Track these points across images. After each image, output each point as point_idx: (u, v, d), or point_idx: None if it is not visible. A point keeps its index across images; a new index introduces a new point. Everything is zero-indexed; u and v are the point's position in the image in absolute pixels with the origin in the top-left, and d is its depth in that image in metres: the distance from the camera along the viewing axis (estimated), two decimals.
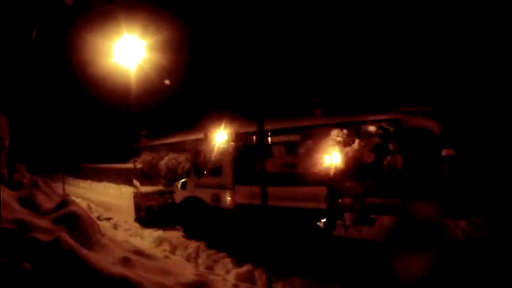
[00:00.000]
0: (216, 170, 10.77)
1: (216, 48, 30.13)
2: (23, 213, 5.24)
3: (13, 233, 4.58)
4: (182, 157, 21.51)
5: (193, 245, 9.57)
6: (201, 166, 11.43)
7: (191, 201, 11.31)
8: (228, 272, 7.75)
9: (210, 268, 8.05)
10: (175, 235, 11.08)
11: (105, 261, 4.92)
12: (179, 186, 12.30)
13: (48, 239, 4.60)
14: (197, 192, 11.20)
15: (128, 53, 20.73)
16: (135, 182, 15.11)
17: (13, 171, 7.85)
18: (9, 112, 9.32)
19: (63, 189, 17.33)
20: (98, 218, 13.17)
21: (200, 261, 8.62)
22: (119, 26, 20.16)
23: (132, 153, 26.18)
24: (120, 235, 10.85)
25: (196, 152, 11.96)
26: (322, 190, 8.32)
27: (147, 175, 23.91)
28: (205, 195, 10.83)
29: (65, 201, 5.92)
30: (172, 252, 9.31)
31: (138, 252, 5.90)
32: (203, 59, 30.78)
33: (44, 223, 5.09)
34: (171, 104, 34.54)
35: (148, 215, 13.41)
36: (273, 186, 7.54)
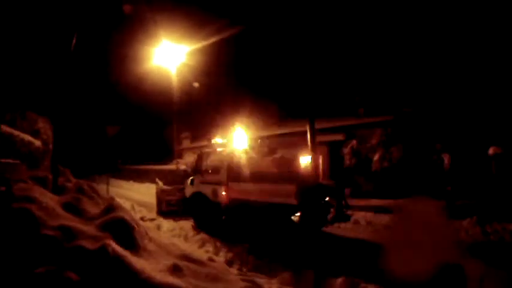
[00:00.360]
0: (215, 169, 12.29)
1: (258, 50, 30.05)
2: (67, 219, 5.06)
3: (57, 241, 4.40)
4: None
5: (233, 248, 9.30)
6: (204, 166, 13.07)
7: (197, 196, 12.74)
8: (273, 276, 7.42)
9: (254, 271, 7.73)
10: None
11: (154, 269, 4.69)
12: (189, 182, 13.75)
13: (94, 247, 4.39)
14: (201, 187, 12.67)
15: (169, 57, 21.05)
16: (158, 180, 17.03)
17: (57, 175, 7.79)
18: (53, 116, 9.37)
19: (107, 191, 17.70)
20: (142, 218, 13.36)
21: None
22: (160, 32, 20.41)
23: (175, 155, 26.86)
24: (164, 236, 10.71)
25: (202, 153, 13.79)
26: (292, 188, 9.05)
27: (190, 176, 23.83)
28: (207, 190, 12.21)
29: (111, 206, 5.72)
30: (216, 253, 9.07)
31: (186, 258, 5.68)
32: (245, 61, 30.78)
33: (90, 229, 4.90)
34: (214, 106, 34.88)
35: (167, 207, 15.33)
36: (255, 183, 10.29)
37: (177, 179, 18.50)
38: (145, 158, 37.04)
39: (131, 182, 32.13)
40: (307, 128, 9.65)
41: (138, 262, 4.59)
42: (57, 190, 7.30)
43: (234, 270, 7.14)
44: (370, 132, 15.93)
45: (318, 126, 10.81)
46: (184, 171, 21.37)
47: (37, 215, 4.74)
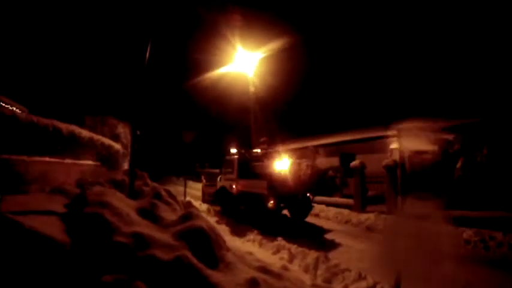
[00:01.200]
0: (231, 170, 15.93)
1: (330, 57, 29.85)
2: (141, 226, 4.80)
3: (129, 249, 4.14)
4: (304, 163, 21.12)
5: (312, 255, 8.78)
6: (225, 168, 16.78)
7: (222, 189, 16.53)
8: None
9: (328, 281, 7.20)
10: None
11: (231, 282, 4.33)
12: (218, 179, 17.69)
13: (168, 257, 4.08)
14: (224, 183, 16.43)
15: (245, 63, 21.19)
16: (203, 178, 22.15)
17: (134, 179, 7.67)
18: (132, 121, 9.40)
19: (185, 193, 18.85)
20: (217, 222, 13.72)
21: (319, 272, 7.81)
22: (236, 39, 20.58)
23: None
24: (239, 240, 10.82)
25: (224, 159, 17.31)
26: (264, 183, 12.93)
27: None
28: (227, 184, 16.07)
29: (188, 214, 5.39)
30: (290, 260, 8.62)
31: (263, 270, 5.30)
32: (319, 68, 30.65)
33: (164, 238, 4.60)
34: (290, 111, 34.97)
35: (208, 197, 20.34)
36: (250, 180, 14.30)
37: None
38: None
39: None
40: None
41: (214, 275, 4.26)
42: (134, 194, 7.18)
43: (307, 280, 6.82)
44: (452, 137, 14.80)
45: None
46: None
47: (110, 221, 4.53)
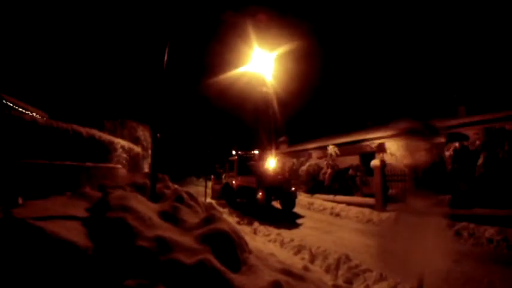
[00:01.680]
0: (232, 169, 19.11)
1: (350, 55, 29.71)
2: (163, 230, 4.75)
3: (151, 253, 4.09)
4: (323, 163, 21.03)
5: (334, 255, 8.66)
6: (228, 167, 20.12)
7: (226, 185, 19.56)
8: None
9: (349, 282, 7.09)
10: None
11: (254, 285, 4.27)
12: (223, 177, 20.91)
13: (191, 261, 4.03)
14: (228, 180, 19.51)
15: (264, 64, 21.26)
16: (212, 176, 24.58)
17: (155, 182, 7.66)
18: (153, 124, 9.43)
19: (205, 194, 20.15)
20: (238, 222, 13.47)
21: (340, 273, 7.69)
22: (254, 38, 20.59)
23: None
24: (260, 240, 10.69)
25: (227, 160, 20.52)
26: (254, 178, 16.51)
27: None
28: (230, 181, 19.11)
29: (210, 217, 5.34)
30: (311, 261, 8.53)
31: (286, 272, 5.25)
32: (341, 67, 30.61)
33: (187, 241, 4.55)
34: (311, 110, 34.97)
35: (216, 193, 22.29)
36: (246, 176, 17.37)
37: None
38: None
39: None
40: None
41: (237, 278, 4.22)
42: (155, 197, 7.16)
43: (328, 281, 6.84)
44: (472, 132, 14.46)
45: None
46: None
47: (132, 225, 4.50)
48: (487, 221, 10.71)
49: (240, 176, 17.93)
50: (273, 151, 23.23)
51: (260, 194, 15.50)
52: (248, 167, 18.26)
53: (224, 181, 20.38)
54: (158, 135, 8.70)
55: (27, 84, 26.67)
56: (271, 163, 18.57)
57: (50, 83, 31.86)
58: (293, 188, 17.14)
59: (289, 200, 16.86)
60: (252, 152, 20.62)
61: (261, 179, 16.35)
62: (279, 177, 17.39)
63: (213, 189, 23.32)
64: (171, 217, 5.37)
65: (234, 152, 20.10)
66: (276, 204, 17.39)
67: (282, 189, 16.51)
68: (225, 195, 19.66)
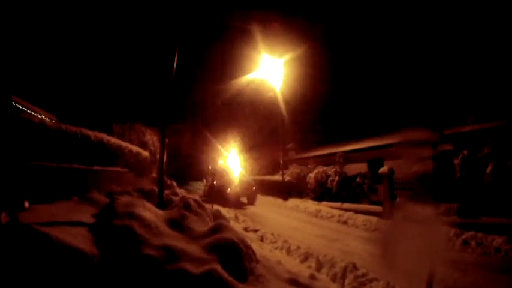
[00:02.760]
0: (213, 174, 25.55)
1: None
2: (171, 238, 4.70)
3: (158, 262, 4.03)
4: (331, 170, 20.92)
5: (340, 264, 8.57)
6: (212, 172, 26.52)
7: (211, 186, 24.43)
8: None
9: None
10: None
11: None
12: (210, 179, 26.33)
13: (198, 271, 3.96)
14: (212, 182, 24.60)
15: (272, 71, 21.25)
16: (204, 180, 29.97)
17: (163, 188, 7.61)
18: (161, 128, 9.39)
19: (211, 199, 19.64)
20: (245, 229, 13.32)
21: (347, 282, 7.58)
22: (262, 44, 20.55)
23: (281, 166, 28.62)
24: (266, 247, 10.50)
25: (211, 169, 27.61)
26: (224, 179, 23.79)
27: (296, 187, 25.65)
28: (212, 182, 24.46)
29: (218, 226, 5.27)
30: (318, 269, 8.42)
31: (292, 281, 5.21)
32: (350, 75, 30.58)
33: (194, 250, 4.48)
34: (319, 117, 34.93)
35: (205, 193, 27.12)
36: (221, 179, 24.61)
37: (280, 188, 26.68)
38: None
39: None
40: None
41: None
42: (163, 204, 7.12)
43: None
44: (481, 140, 14.28)
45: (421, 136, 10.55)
46: (289, 181, 26.58)
47: (139, 233, 4.45)
48: (496, 230, 10.52)
49: (218, 179, 24.66)
50: (240, 163, 29.45)
51: (228, 190, 22.40)
52: (222, 173, 25.47)
53: (210, 183, 26.01)
54: (167, 140, 8.67)
55: (37, 87, 26.79)
56: (238, 173, 26.56)
57: (59, 86, 31.99)
58: (254, 188, 23.93)
59: (252, 196, 23.71)
60: (224, 164, 28.34)
61: (228, 183, 23.37)
62: (244, 180, 24.49)
63: (203, 190, 29.21)
64: (178, 225, 5.32)
65: (210, 167, 28.88)
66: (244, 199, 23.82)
67: (244, 189, 23.40)
68: (209, 192, 25.50)
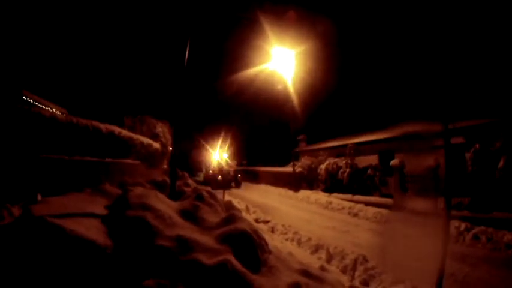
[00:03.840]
0: (208, 167, 36.72)
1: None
2: (184, 229, 4.69)
3: (171, 253, 4.03)
4: (342, 162, 20.83)
5: (351, 256, 8.54)
6: (207, 165, 37.58)
7: (207, 175, 34.98)
8: None
9: (365, 283, 6.97)
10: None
11: (273, 286, 4.20)
12: (208, 170, 36.10)
13: (211, 262, 3.95)
14: (208, 172, 35.34)
15: (283, 62, 21.21)
16: (204, 170, 38.63)
17: (175, 179, 7.61)
18: (173, 120, 9.38)
19: (224, 193, 19.14)
20: (256, 220, 13.44)
21: (357, 274, 7.55)
22: (273, 36, 20.51)
23: (291, 158, 29.03)
24: (277, 238, 10.61)
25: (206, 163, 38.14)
26: (217, 169, 33.94)
27: (307, 179, 25.48)
28: (208, 173, 35.46)
29: (231, 216, 5.26)
30: (328, 261, 8.42)
31: (304, 272, 5.20)
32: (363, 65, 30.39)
33: (207, 241, 4.47)
34: (330, 109, 34.88)
35: (204, 180, 33.80)
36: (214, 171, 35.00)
37: (291, 180, 26.23)
38: (262, 160, 44.10)
39: (247, 183, 37.93)
40: None
41: (258, 280, 4.16)
42: (175, 195, 7.12)
43: (345, 281, 6.82)
44: (494, 134, 14.06)
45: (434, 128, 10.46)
46: (300, 172, 25.93)
47: (152, 224, 4.45)
48: (506, 226, 10.41)
49: (211, 171, 34.35)
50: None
51: (219, 177, 30.77)
52: (214, 167, 34.33)
53: (207, 173, 36.04)
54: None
55: (47, 81, 26.91)
56: (226, 165, 34.83)
57: (70, 80, 32.19)
58: (239, 175, 35.19)
59: (237, 183, 34.24)
60: (216, 159, 34.97)
61: (218, 172, 32.46)
62: (231, 169, 34.86)
63: (204, 178, 36.64)
64: (191, 216, 5.32)
65: (215, 158, 35.41)
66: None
67: (231, 177, 33.42)
68: (205, 179, 34.33)
